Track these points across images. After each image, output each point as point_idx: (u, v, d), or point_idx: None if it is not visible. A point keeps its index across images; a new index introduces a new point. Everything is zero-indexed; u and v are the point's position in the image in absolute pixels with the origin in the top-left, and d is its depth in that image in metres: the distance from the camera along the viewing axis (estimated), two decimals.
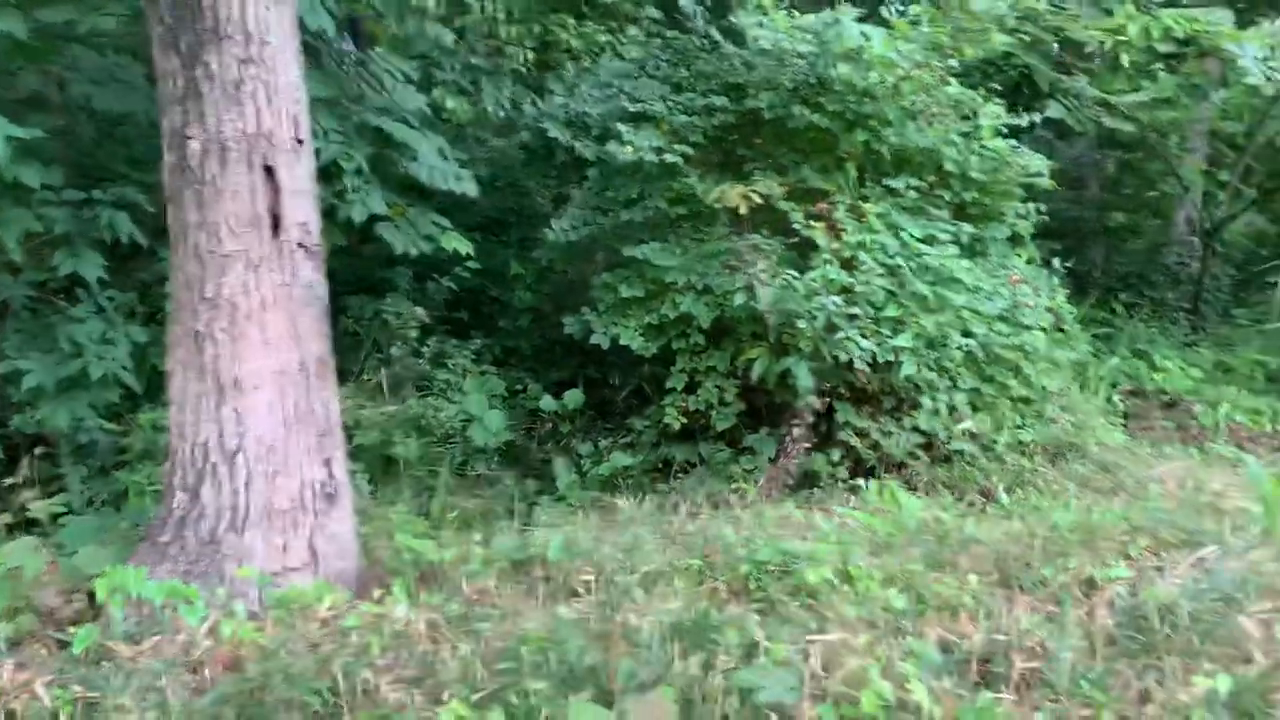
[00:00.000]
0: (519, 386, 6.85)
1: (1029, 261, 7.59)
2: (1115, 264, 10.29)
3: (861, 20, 5.75)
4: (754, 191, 5.53)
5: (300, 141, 4.21)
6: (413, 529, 4.65)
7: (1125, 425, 7.23)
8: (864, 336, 5.57)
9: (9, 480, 5.25)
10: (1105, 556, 3.76)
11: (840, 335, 5.41)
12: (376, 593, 4.03)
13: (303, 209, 4.18)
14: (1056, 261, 7.36)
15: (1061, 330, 7.39)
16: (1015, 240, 7.43)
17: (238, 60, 4.00)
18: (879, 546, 4.15)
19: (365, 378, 6.30)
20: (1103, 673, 2.62)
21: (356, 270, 6.98)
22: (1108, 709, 2.44)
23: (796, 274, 5.53)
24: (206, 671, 3.26)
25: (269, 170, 4.07)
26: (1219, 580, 2.91)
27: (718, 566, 4.03)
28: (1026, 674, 2.77)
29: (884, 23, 5.87)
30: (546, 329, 6.92)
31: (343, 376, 6.41)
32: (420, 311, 6.39)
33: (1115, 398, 7.35)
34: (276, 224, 4.07)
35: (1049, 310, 6.99)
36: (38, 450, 5.26)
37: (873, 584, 3.52)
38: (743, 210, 5.54)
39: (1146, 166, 10.19)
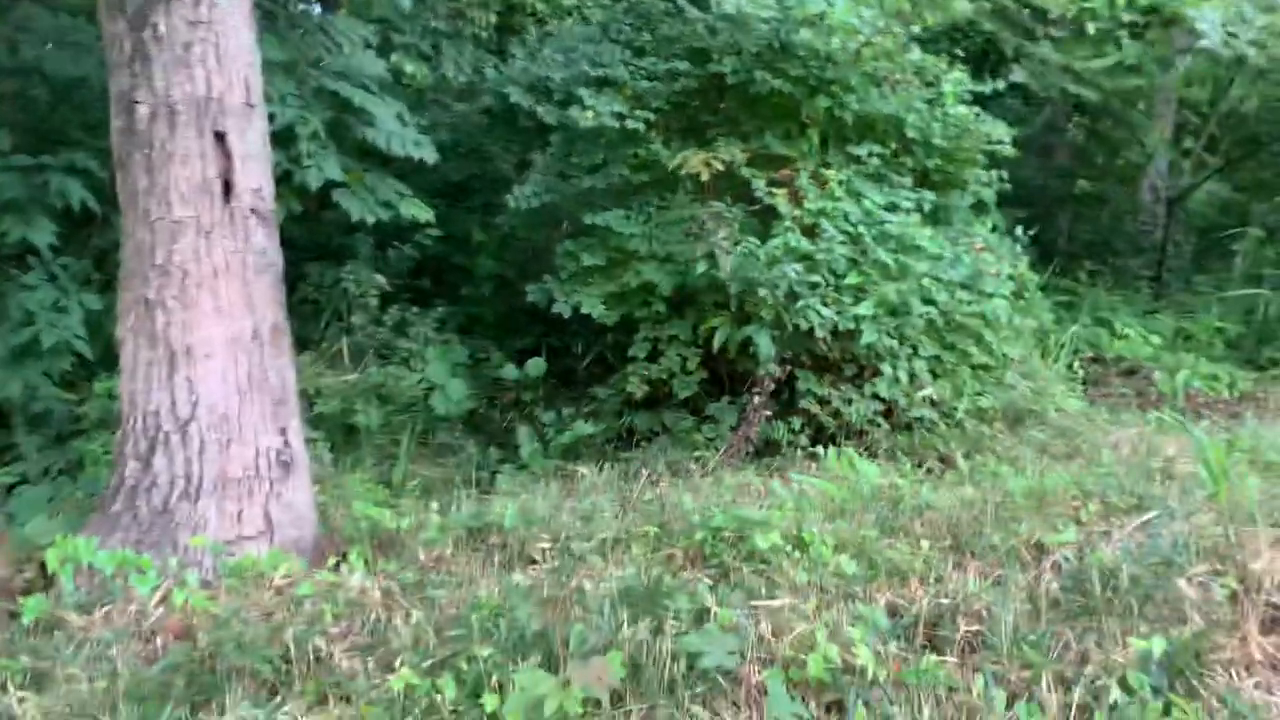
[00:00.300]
0: (482, 355, 6.83)
1: (993, 229, 7.63)
2: (1080, 232, 10.36)
3: None
4: (716, 158, 5.51)
5: (252, 105, 4.14)
6: (371, 497, 4.64)
7: (1085, 392, 7.30)
8: (825, 305, 5.58)
9: None
10: (1055, 521, 3.81)
11: (801, 304, 5.42)
12: (332, 561, 4.04)
13: (255, 174, 4.12)
14: (1020, 229, 7.41)
15: (1023, 298, 7.45)
16: (979, 208, 7.47)
17: (186, 22, 3.93)
18: (834, 513, 4.18)
19: (326, 346, 6.25)
20: (1043, 635, 2.66)
21: (316, 237, 6.91)
22: (1046, 669, 2.48)
23: (758, 242, 5.52)
24: (159, 641, 3.25)
25: (219, 135, 4.01)
26: (1160, 544, 2.96)
27: (674, 533, 4.05)
28: (970, 637, 2.81)
29: None
30: (510, 297, 6.89)
31: (303, 344, 6.39)
32: (380, 279, 6.34)
33: (1076, 365, 7.42)
34: (228, 189, 4.02)
35: (1011, 278, 7.03)
36: None
37: (825, 550, 3.55)
38: (704, 177, 5.52)
39: (1112, 134, 10.24)
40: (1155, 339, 8.24)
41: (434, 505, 4.36)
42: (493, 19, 7.31)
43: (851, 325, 5.61)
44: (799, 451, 5.69)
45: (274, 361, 4.14)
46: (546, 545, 3.94)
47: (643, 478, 5.31)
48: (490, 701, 2.47)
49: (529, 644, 2.90)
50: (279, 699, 2.82)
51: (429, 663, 2.88)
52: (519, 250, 7.10)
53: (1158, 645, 2.37)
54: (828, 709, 2.62)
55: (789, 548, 3.56)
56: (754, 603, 3.12)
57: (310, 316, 6.40)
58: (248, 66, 4.13)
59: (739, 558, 3.66)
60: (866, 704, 2.52)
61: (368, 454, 5.84)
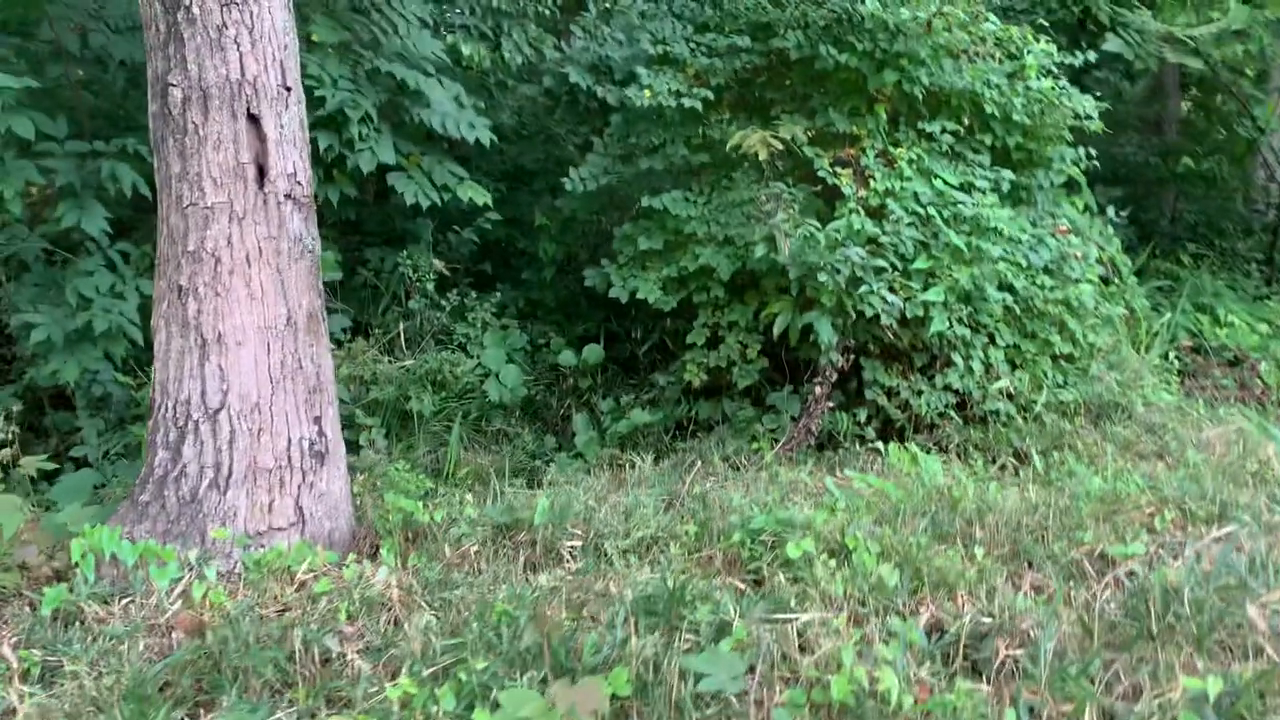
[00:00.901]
0: (542, 340, 6.70)
1: (1084, 210, 7.19)
2: (1185, 213, 9.73)
3: None
4: (775, 137, 5.24)
5: (288, 89, 4.06)
6: (411, 487, 4.54)
7: (1181, 383, 6.83)
8: (892, 290, 5.29)
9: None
10: (1126, 530, 3.50)
11: (864, 289, 5.14)
12: (360, 556, 3.96)
13: (291, 159, 4.04)
14: (1112, 210, 6.96)
15: (1114, 283, 7.01)
16: (1070, 187, 7.04)
17: (219, 4, 3.86)
18: (887, 514, 3.93)
19: (383, 331, 6.19)
20: (1090, 663, 2.39)
21: (379, 222, 6.86)
22: (1090, 704, 2.22)
23: (818, 225, 5.25)
24: (173, 636, 3.20)
25: (254, 118, 3.94)
26: (1233, 563, 2.64)
27: (715, 534, 3.86)
28: (1011, 661, 2.55)
29: None
30: (572, 281, 6.74)
31: (361, 330, 6.36)
32: (438, 263, 6.25)
33: (1172, 354, 6.94)
34: (262, 174, 3.96)
35: (1100, 262, 6.61)
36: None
37: (868, 558, 3.31)
38: (763, 156, 5.26)
39: (1221, 108, 9.58)
40: (1263, 327, 7.67)
41: (469, 498, 4.25)
42: None
43: (920, 312, 5.30)
44: (864, 445, 5.43)
45: (308, 349, 4.06)
46: (577, 544, 3.79)
47: (696, 470, 5.13)
48: (480, 718, 2.32)
49: (534, 656, 2.75)
50: (274, 702, 2.72)
51: (431, 670, 2.76)
52: (580, 234, 6.95)
53: (1213, 686, 2.09)
54: None
55: (827, 556, 3.33)
56: (781, 615, 2.91)
57: (369, 301, 6.36)
58: (284, 49, 4.05)
59: (776, 563, 3.46)
60: None
61: (421, 441, 5.77)
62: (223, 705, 2.75)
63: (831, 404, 5.63)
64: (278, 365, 3.95)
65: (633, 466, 5.18)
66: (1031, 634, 2.62)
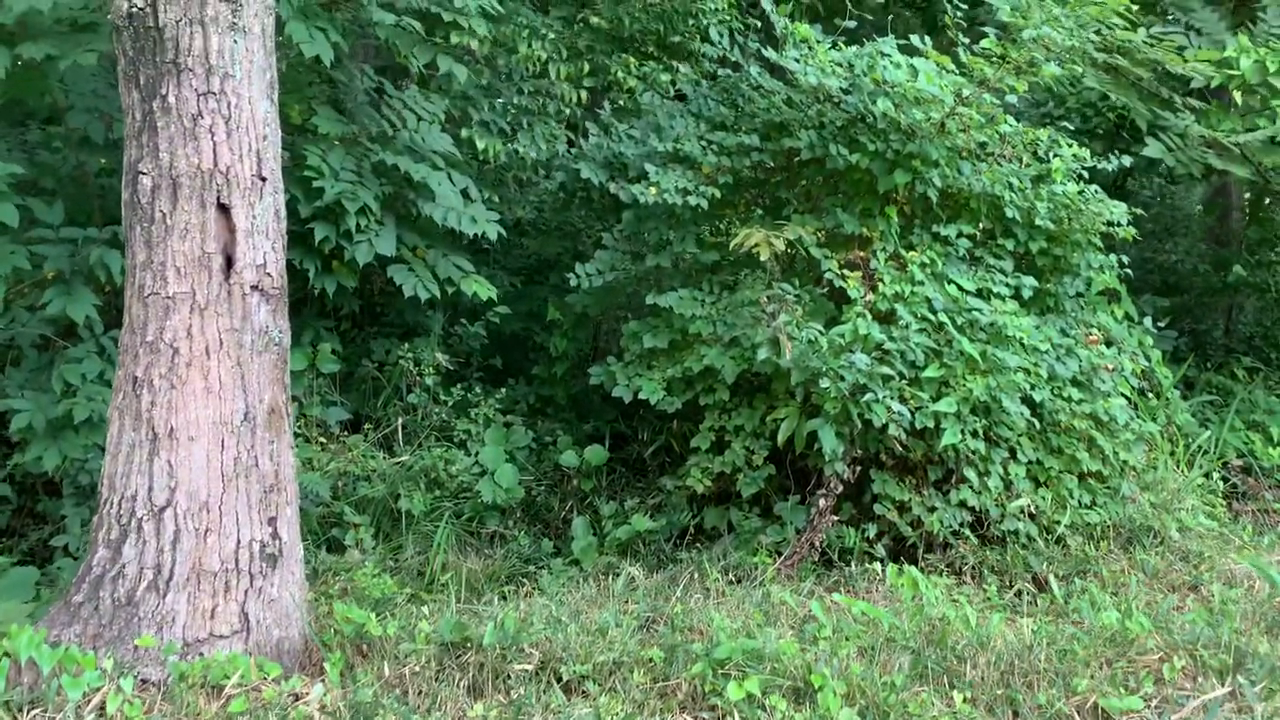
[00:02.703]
0: (549, 439, 6.50)
1: (1124, 318, 6.84)
2: (1239, 324, 9.28)
3: (902, 51, 5.25)
4: (779, 236, 5.06)
5: (264, 179, 3.99)
6: (376, 591, 4.32)
7: (1229, 506, 6.36)
8: (900, 399, 5.00)
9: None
10: (1130, 678, 3.14)
11: (869, 397, 4.86)
12: (315, 667, 3.74)
13: (262, 250, 3.95)
14: (1149, 320, 6.61)
15: (1153, 396, 6.62)
16: (1110, 296, 6.71)
17: (196, 93, 3.82)
18: (871, 645, 3.60)
19: (381, 426, 6.05)
20: None
21: (391, 314, 6.79)
22: None
23: (822, 329, 5.01)
24: None
25: (224, 208, 3.87)
26: None
27: (682, 660, 3.56)
28: None
29: (916, 51, 5.33)
30: (584, 379, 6.55)
31: (359, 424, 6.22)
32: (441, 357, 6.12)
33: (1216, 474, 6.48)
34: (229, 264, 3.86)
35: (1138, 375, 6.24)
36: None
37: (833, 700, 2.99)
38: (764, 256, 5.07)
39: (1274, 215, 9.19)
40: None
41: (424, 610, 4.01)
42: (582, 95, 7.12)
43: (930, 423, 5.00)
44: (871, 563, 5.08)
45: (267, 446, 3.91)
46: (529, 667, 3.51)
47: (681, 584, 4.84)
48: None
49: None
50: None
51: None
52: (594, 331, 6.79)
53: None
54: None
55: (787, 697, 3.02)
56: None
57: (370, 394, 6.24)
58: (262, 139, 3.99)
59: (739, 698, 3.15)
60: None
61: (410, 542, 5.56)
62: None
63: (838, 517, 5.31)
64: (231, 462, 3.79)
65: (630, 579, 4.90)
66: None
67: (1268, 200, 9.06)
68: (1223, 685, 2.85)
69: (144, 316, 3.77)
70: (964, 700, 3.03)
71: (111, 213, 5.89)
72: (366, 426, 5.94)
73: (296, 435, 5.72)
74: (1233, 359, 8.75)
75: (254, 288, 3.90)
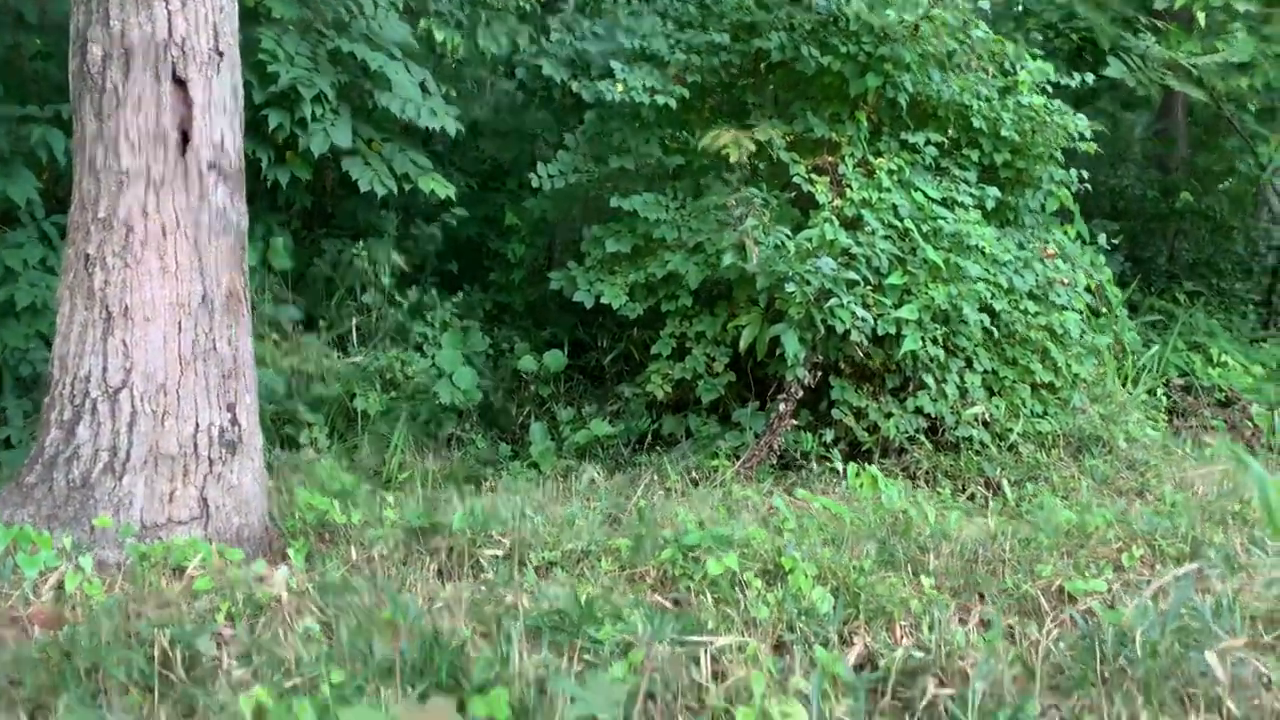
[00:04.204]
0: (506, 345, 6.43)
1: (1076, 238, 6.93)
2: (1183, 251, 9.46)
3: None
4: (748, 138, 4.99)
5: (221, 54, 3.81)
6: (336, 483, 4.25)
7: (1169, 422, 6.53)
8: (864, 306, 5.01)
9: None
10: (1090, 565, 3.21)
11: (833, 302, 4.87)
12: (275, 554, 3.69)
13: (219, 127, 3.79)
14: (1104, 238, 6.69)
15: (1103, 314, 6.73)
16: (1064, 216, 6.78)
17: None
18: (836, 538, 3.64)
19: (336, 326, 5.92)
20: (1026, 709, 2.10)
21: (342, 213, 6.61)
22: None
23: (789, 233, 4.99)
24: (36, 630, 2.92)
25: (180, 82, 3.69)
26: (1195, 604, 2.35)
27: (649, 550, 3.57)
28: (939, 702, 2.26)
29: None
30: (541, 285, 6.47)
31: (313, 324, 6.09)
32: (398, 258, 5.99)
33: (1160, 392, 6.65)
34: (185, 141, 3.70)
35: (1090, 291, 6.34)
36: None
37: (804, 581, 3.02)
38: (734, 157, 5.01)
39: (1224, 143, 9.33)
40: (1257, 369, 7.38)
41: (389, 499, 3.97)
42: None
43: (892, 330, 5.03)
44: (827, 467, 5.14)
45: (226, 330, 3.79)
46: (498, 553, 3.50)
47: (642, 484, 4.85)
48: None
49: (418, 671, 2.46)
50: (121, 706, 2.43)
51: (296, 682, 2.47)
52: (552, 237, 6.69)
53: None
54: None
55: (759, 578, 3.05)
56: (695, 638, 2.62)
57: (323, 295, 6.09)
58: (219, 11, 3.81)
59: (705, 582, 3.16)
60: None
61: (366, 442, 5.49)
62: (60, 708, 2.45)
63: (797, 423, 5.35)
64: (189, 346, 3.67)
65: (591, 481, 4.90)
66: (967, 673, 2.32)
67: (1209, 131, 9.17)
68: (1181, 569, 2.93)
69: (95, 192, 3.61)
70: (931, 585, 3.07)
71: (48, 98, 5.62)
72: (321, 323, 5.81)
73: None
74: (1175, 285, 8.93)
75: (211, 166, 3.76)
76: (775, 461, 5.30)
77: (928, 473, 5.17)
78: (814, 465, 5.09)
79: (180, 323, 3.66)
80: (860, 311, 4.89)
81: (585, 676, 2.19)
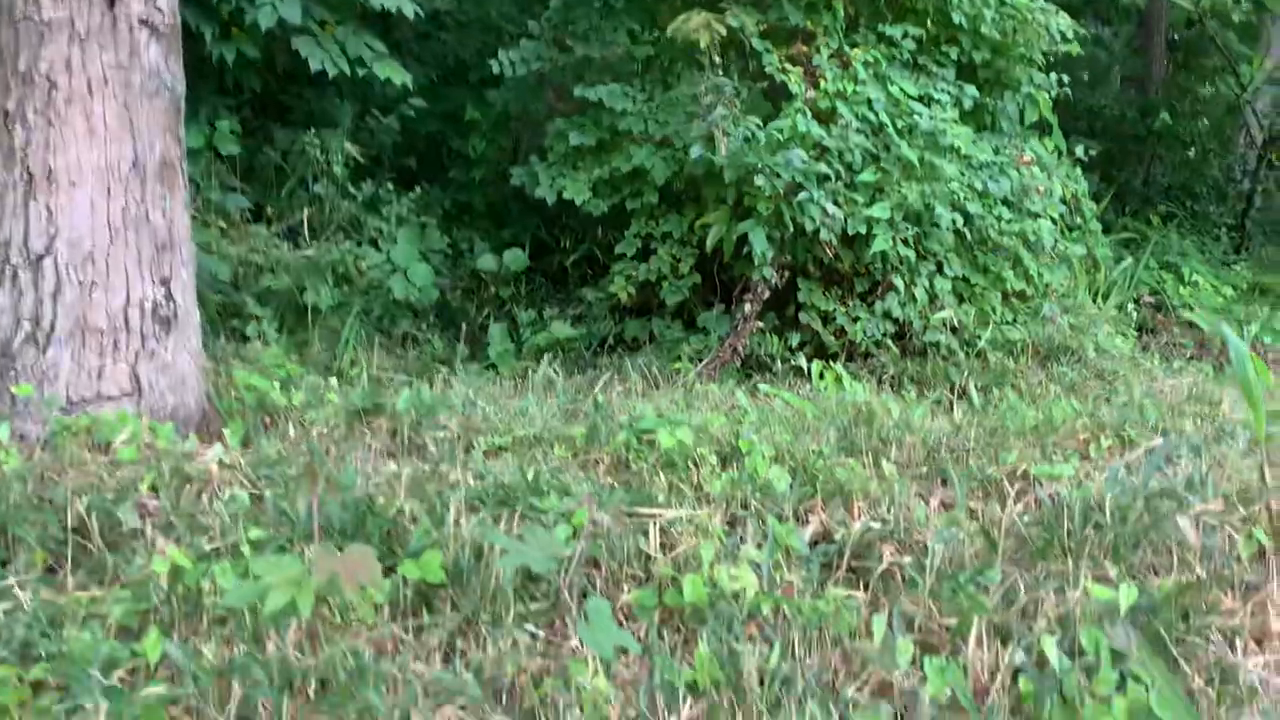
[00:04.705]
0: (465, 245, 6.21)
1: (1054, 151, 6.77)
2: (1159, 174, 9.34)
3: None
4: (720, 22, 4.76)
5: None
6: (280, 371, 4.07)
7: (1139, 338, 6.46)
8: (835, 203, 4.85)
9: None
10: (1057, 453, 3.11)
11: (804, 196, 4.70)
12: (213, 438, 3.51)
13: None
14: (1081, 149, 6.55)
15: (1076, 228, 6.61)
16: (1042, 129, 6.62)
17: None
18: (798, 429, 3.52)
19: (286, 216, 5.68)
20: (986, 574, 1.99)
21: (293, 100, 6.31)
22: (979, 619, 1.81)
23: (760, 123, 4.79)
24: None
25: None
26: (1168, 476, 2.25)
27: (605, 438, 3.43)
28: (897, 570, 2.15)
29: None
30: (502, 184, 6.25)
31: (262, 215, 5.83)
32: (351, 148, 5.73)
33: (1131, 308, 6.57)
34: None
35: (1065, 202, 6.21)
36: None
37: (760, 462, 2.90)
38: (704, 43, 4.78)
39: (1205, 64, 9.16)
40: (1228, 290, 7.32)
41: (333, 382, 3.80)
42: None
43: (863, 229, 4.87)
44: (791, 369, 5.02)
45: (159, 200, 3.57)
46: (443, 435, 3.35)
47: (601, 383, 4.70)
48: (227, 583, 1.88)
49: (349, 537, 2.32)
50: (16, 570, 2.27)
51: (214, 545, 2.32)
52: (514, 134, 6.44)
53: (1126, 597, 1.69)
54: (685, 640, 1.99)
55: (714, 457, 2.92)
56: (644, 510, 2.49)
57: (273, 185, 5.83)
58: None
59: (660, 463, 3.04)
60: (734, 637, 1.88)
61: (316, 337, 5.29)
62: None
63: (762, 325, 5.21)
64: (119, 213, 3.45)
65: (548, 381, 4.74)
66: (926, 546, 2.21)
67: (1190, 50, 8.99)
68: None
69: (14, 44, 3.35)
70: (894, 471, 2.96)
71: None
72: (270, 212, 5.56)
73: (193, 219, 5.34)
74: (1149, 207, 8.83)
75: (143, 22, 3.50)
76: (739, 365, 5.17)
77: (894, 377, 5.06)
78: (778, 368, 4.96)
79: (109, 188, 3.43)
80: (830, 208, 4.73)
81: (523, 534, 2.05)
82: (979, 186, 5.23)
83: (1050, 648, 1.61)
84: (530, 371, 5.22)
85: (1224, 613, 1.76)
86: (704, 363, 5.09)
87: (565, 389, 4.68)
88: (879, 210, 4.82)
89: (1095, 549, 2.01)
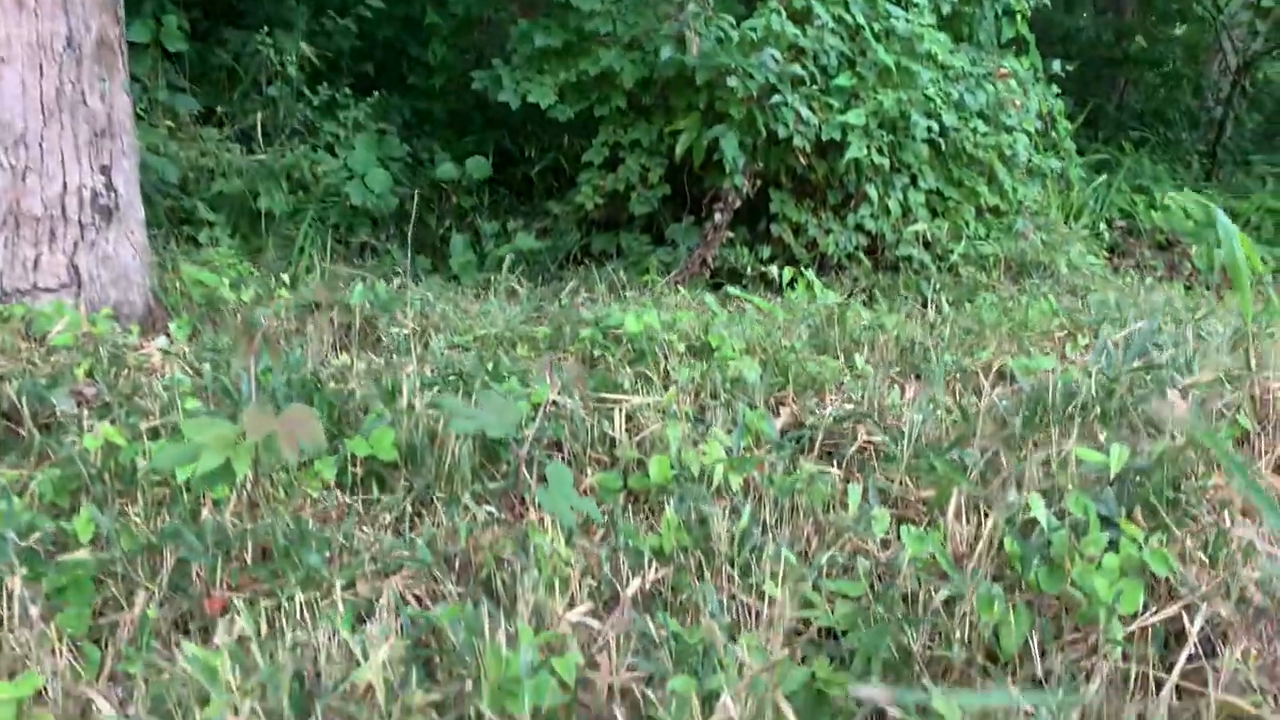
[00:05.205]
0: (426, 155, 6.01)
1: (1030, 69, 6.64)
2: (1133, 100, 9.24)
3: None
4: None
5: None
6: (231, 270, 3.90)
7: (1110, 260, 6.41)
8: (809, 108, 4.70)
9: None
10: (1034, 350, 3.03)
11: (778, 99, 4.54)
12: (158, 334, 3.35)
13: None
14: (1058, 64, 6.42)
15: (1053, 148, 6.51)
16: (1018, 47, 6.49)
17: None
18: (769, 329, 3.42)
19: (238, 119, 5.44)
20: (962, 449, 1.90)
21: (246, 4, 6.03)
22: (958, 489, 1.72)
23: (733, 22, 4.62)
24: None
25: None
26: (1153, 355, 2.17)
27: (567, 336, 3.31)
28: (870, 449, 2.06)
29: None
30: (464, 92, 6.02)
31: (212, 118, 5.60)
32: (306, 49, 5.48)
33: (1103, 228, 6.51)
34: None
35: (1040, 118, 6.11)
36: None
37: (730, 353, 2.79)
38: None
39: None
40: (1199, 215, 7.26)
41: (284, 278, 3.64)
42: None
43: (837, 135, 4.73)
44: (762, 283, 4.91)
45: (97, 83, 3.36)
46: (401, 331, 3.21)
47: (566, 289, 4.57)
48: (157, 450, 1.75)
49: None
50: None
51: (155, 424, 2.18)
52: (475, 39, 6.20)
53: (1116, 459, 1.61)
54: (650, 518, 1.89)
55: (682, 345, 2.81)
56: (610, 396, 2.38)
57: (224, 87, 5.58)
58: None
59: (627, 358, 2.92)
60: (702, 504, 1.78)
61: (271, 245, 5.10)
62: None
63: (732, 235, 5.08)
64: (53, 94, 3.25)
65: (510, 290, 4.60)
66: (901, 427, 2.12)
67: None
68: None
69: None
70: (865, 362, 2.87)
71: None
72: (221, 113, 5.33)
73: (140, 120, 5.10)
74: (1121, 133, 8.75)
75: None
76: (709, 277, 5.05)
77: (865, 290, 4.97)
78: (749, 278, 4.85)
79: (41, 67, 3.22)
80: (805, 112, 4.58)
81: (479, 399, 1.93)
82: (955, 97, 5.11)
83: (1038, 506, 1.53)
84: (493, 283, 5.08)
85: (1215, 487, 1.68)
86: (673, 274, 4.96)
87: (530, 298, 4.55)
88: (854, 117, 4.68)
89: (1081, 426, 1.93)
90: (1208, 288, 6.38)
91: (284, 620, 1.44)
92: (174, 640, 1.47)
